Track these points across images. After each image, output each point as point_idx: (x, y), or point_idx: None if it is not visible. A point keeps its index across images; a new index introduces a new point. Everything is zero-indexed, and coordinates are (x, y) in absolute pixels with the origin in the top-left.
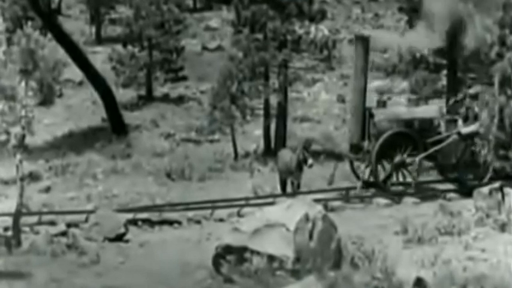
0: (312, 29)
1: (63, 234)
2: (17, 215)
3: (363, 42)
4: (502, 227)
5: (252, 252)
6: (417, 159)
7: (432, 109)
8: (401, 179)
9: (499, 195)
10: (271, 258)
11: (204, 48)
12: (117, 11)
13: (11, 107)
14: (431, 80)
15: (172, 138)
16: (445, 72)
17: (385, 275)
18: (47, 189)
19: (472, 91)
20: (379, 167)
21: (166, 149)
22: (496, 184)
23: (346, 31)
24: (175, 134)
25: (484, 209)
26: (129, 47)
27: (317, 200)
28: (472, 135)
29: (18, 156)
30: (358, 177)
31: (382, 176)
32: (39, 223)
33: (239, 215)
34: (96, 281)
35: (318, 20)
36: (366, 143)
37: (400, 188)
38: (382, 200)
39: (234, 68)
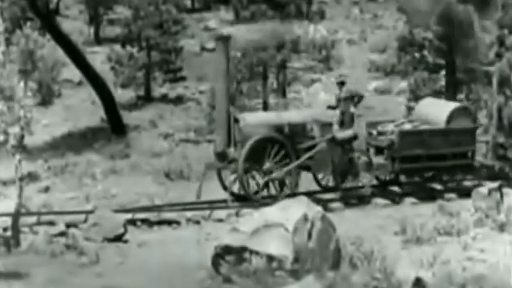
0: (311, 29)
1: (62, 234)
2: (16, 215)
3: (223, 42)
4: (501, 228)
5: (251, 252)
6: (285, 169)
7: (304, 113)
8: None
9: (498, 196)
10: (270, 258)
11: (203, 48)
12: (115, 12)
13: (10, 107)
14: (431, 80)
15: (171, 139)
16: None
17: (384, 275)
18: (46, 190)
19: (343, 95)
20: (251, 177)
21: (165, 149)
22: (495, 184)
23: (344, 32)
24: (174, 134)
25: (483, 209)
26: (128, 48)
27: (317, 200)
28: (349, 141)
29: (17, 157)
30: (225, 188)
31: (256, 186)
32: (38, 223)
33: (238, 215)
34: (95, 281)
35: (317, 20)
36: (231, 151)
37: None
38: (381, 200)
39: (232, 68)
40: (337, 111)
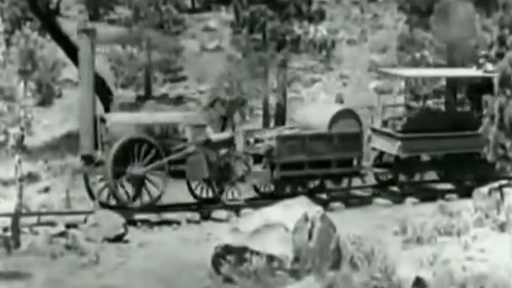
0: (311, 29)
1: (63, 234)
2: (16, 216)
3: (89, 36)
4: (501, 227)
5: (252, 252)
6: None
7: (176, 115)
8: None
9: (498, 195)
10: (270, 258)
11: (203, 48)
12: (116, 12)
13: (10, 107)
14: (431, 80)
15: None
16: None
17: (384, 275)
18: (46, 190)
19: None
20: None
21: None
22: (495, 184)
23: (345, 31)
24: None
25: (483, 209)
26: (128, 48)
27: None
28: (224, 145)
29: (17, 157)
30: (93, 196)
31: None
32: (39, 223)
33: (238, 215)
34: (95, 282)
35: (317, 20)
36: (99, 153)
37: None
38: (381, 200)
39: (233, 68)
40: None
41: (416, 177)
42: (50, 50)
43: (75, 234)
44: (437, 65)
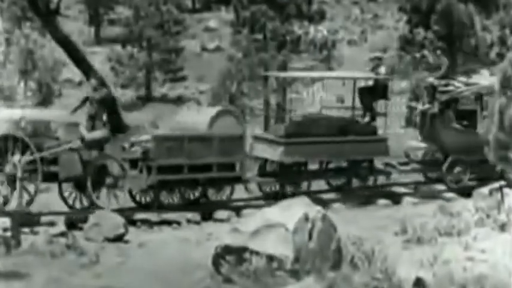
0: (311, 29)
1: (63, 234)
2: (16, 216)
3: None
4: (502, 228)
5: (252, 252)
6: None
7: (48, 112)
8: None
9: (499, 196)
10: (270, 258)
11: (203, 48)
12: (116, 12)
13: (10, 107)
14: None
15: None
16: None
17: (384, 275)
18: (46, 190)
19: (97, 96)
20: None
21: None
22: (496, 184)
23: (345, 32)
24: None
25: (483, 209)
26: (128, 48)
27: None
28: (99, 144)
29: (17, 157)
30: None
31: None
32: (39, 223)
33: (238, 215)
34: (95, 282)
35: (317, 20)
36: None
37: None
38: (381, 201)
39: (233, 68)
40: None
41: (304, 187)
42: (50, 50)
43: (75, 234)
44: (437, 65)
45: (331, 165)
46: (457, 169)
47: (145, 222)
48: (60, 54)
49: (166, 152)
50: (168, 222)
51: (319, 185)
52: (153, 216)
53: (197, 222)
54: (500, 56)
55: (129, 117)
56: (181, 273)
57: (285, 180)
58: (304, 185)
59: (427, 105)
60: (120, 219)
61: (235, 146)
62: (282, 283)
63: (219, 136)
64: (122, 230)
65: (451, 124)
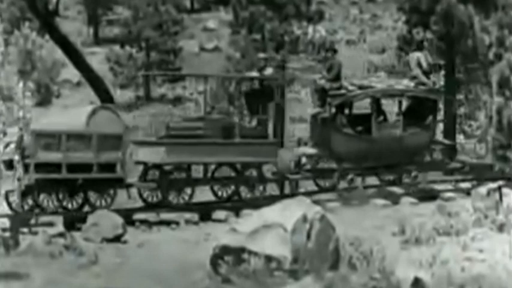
0: (310, 29)
1: (61, 235)
2: (15, 216)
3: None
4: (500, 228)
5: (250, 252)
6: None
7: None
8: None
9: (497, 196)
10: (268, 258)
11: (202, 49)
12: (114, 12)
13: (9, 107)
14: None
15: None
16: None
17: (383, 276)
18: None
19: None
20: None
21: None
22: (494, 184)
23: (343, 32)
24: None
25: (482, 209)
26: (127, 48)
27: (315, 201)
28: None
29: (16, 157)
30: None
31: None
32: (37, 224)
33: (237, 215)
34: (94, 282)
35: (316, 20)
36: None
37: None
38: (379, 201)
39: (231, 68)
40: None
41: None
42: (49, 50)
43: (74, 235)
44: (436, 65)
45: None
46: (350, 177)
47: (144, 222)
48: (59, 54)
49: (44, 149)
50: (167, 223)
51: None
52: (151, 217)
53: (195, 223)
54: (498, 57)
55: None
56: (180, 273)
57: (166, 187)
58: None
59: (317, 109)
60: (118, 220)
61: (114, 145)
62: (281, 283)
63: (97, 133)
64: (120, 231)
65: (343, 129)
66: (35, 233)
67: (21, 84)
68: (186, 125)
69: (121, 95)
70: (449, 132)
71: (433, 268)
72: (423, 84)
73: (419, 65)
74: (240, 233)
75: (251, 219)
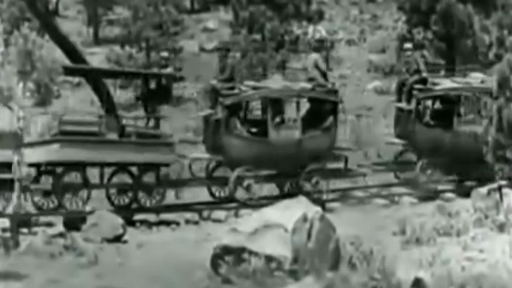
0: (310, 29)
1: (61, 235)
2: (15, 216)
3: None
4: (501, 228)
5: (250, 252)
6: None
7: None
8: None
9: (498, 196)
10: (269, 258)
11: (202, 49)
12: (114, 12)
13: (8, 107)
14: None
15: None
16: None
17: (383, 276)
18: None
19: None
20: None
21: None
22: (495, 184)
23: (344, 32)
24: (172, 134)
25: (482, 209)
26: (127, 48)
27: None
28: None
29: (16, 157)
30: None
31: None
32: (37, 224)
33: (237, 215)
34: (94, 282)
35: (316, 20)
36: None
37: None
38: (379, 201)
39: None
40: None
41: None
42: (49, 51)
43: (74, 235)
44: (436, 65)
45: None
46: (246, 183)
47: (144, 222)
48: (59, 54)
49: None
50: (167, 223)
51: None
52: (151, 217)
53: (196, 223)
54: (499, 57)
55: None
56: (180, 273)
57: (59, 190)
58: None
59: (208, 111)
60: (118, 220)
61: (9, 144)
62: (281, 283)
63: None
64: (120, 231)
65: (236, 132)
66: (35, 233)
67: (21, 85)
68: (79, 119)
69: (121, 95)
70: None
71: (434, 268)
72: (321, 86)
73: (316, 66)
74: (241, 233)
75: (252, 219)
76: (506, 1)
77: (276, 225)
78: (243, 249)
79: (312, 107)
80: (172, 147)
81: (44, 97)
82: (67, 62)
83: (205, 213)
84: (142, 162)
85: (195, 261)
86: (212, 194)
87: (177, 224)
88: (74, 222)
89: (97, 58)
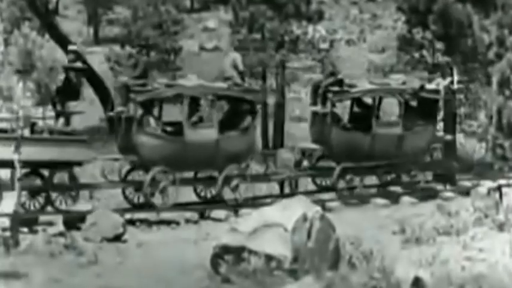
0: (310, 29)
1: (61, 234)
2: (15, 216)
3: None
4: (500, 227)
5: (250, 252)
6: None
7: None
8: None
9: (497, 195)
10: (269, 258)
11: (202, 48)
12: (114, 12)
13: (8, 107)
14: (431, 80)
15: None
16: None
17: (383, 275)
18: None
19: None
20: None
21: None
22: (494, 184)
23: (343, 31)
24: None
25: (482, 209)
26: (127, 48)
27: (314, 201)
28: None
29: (16, 157)
30: None
31: None
32: (37, 223)
33: (237, 215)
34: (94, 281)
35: (316, 20)
36: None
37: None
38: (379, 200)
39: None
40: None
41: None
42: (49, 50)
43: (74, 234)
44: (436, 65)
45: None
46: (162, 185)
47: (143, 221)
48: (59, 54)
49: None
50: (167, 222)
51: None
52: (151, 216)
53: (195, 222)
54: (499, 57)
55: None
56: (180, 273)
57: None
58: None
59: (120, 108)
60: (118, 219)
61: None
62: (281, 283)
63: None
64: (120, 230)
65: (150, 130)
66: (35, 232)
67: (21, 84)
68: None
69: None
70: (450, 132)
71: (433, 267)
72: (238, 85)
73: (234, 66)
74: (240, 232)
75: (251, 218)
76: (506, 1)
77: (275, 224)
78: (242, 249)
79: (230, 107)
80: (86, 145)
81: (43, 97)
82: (67, 61)
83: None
84: (55, 160)
85: (195, 260)
86: (127, 199)
87: (177, 223)
88: (73, 222)
89: (97, 58)
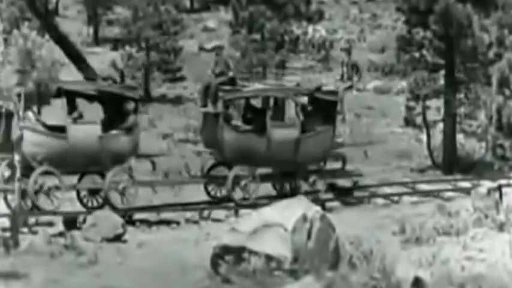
0: (310, 29)
1: (61, 234)
2: (15, 216)
3: None
4: (500, 227)
5: (250, 252)
6: None
7: None
8: None
9: (497, 195)
10: (269, 258)
11: (202, 48)
12: (114, 12)
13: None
14: (430, 80)
15: (170, 139)
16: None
17: (383, 275)
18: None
19: None
20: None
21: (164, 149)
22: (494, 184)
23: (343, 31)
24: (172, 134)
25: (482, 209)
26: (127, 48)
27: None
28: None
29: (16, 157)
30: None
31: None
32: (37, 223)
33: (237, 215)
34: (94, 282)
35: (316, 20)
36: None
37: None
38: (379, 200)
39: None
40: None
41: None
42: (49, 50)
43: (74, 234)
44: (436, 65)
45: None
46: (47, 187)
47: (144, 222)
48: (59, 54)
49: None
50: (167, 222)
51: None
52: (151, 216)
53: (196, 222)
54: (499, 56)
55: None
56: (180, 273)
57: None
58: None
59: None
60: (118, 219)
61: None
62: (281, 283)
63: None
64: (120, 230)
65: (30, 125)
66: (35, 233)
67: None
68: None
69: None
70: (450, 132)
71: (433, 267)
72: (116, 83)
73: (113, 65)
74: (241, 232)
75: (251, 218)
76: (506, 0)
77: (275, 224)
78: (242, 249)
79: (112, 105)
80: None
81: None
82: (66, 61)
83: (205, 213)
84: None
85: (195, 260)
86: (8, 205)
87: (177, 223)
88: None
89: (97, 58)
